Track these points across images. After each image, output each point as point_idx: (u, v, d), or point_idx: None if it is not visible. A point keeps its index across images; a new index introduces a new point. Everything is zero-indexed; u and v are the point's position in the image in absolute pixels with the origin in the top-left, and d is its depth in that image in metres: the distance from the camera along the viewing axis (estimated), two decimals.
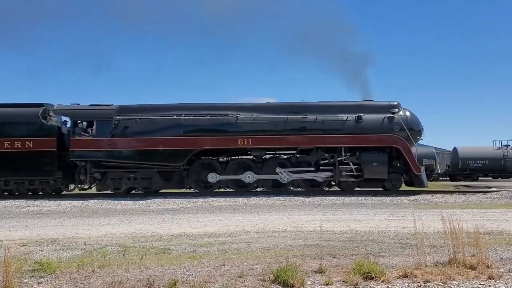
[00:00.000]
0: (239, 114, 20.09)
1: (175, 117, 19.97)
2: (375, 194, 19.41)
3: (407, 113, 20.38)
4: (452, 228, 6.56)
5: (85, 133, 20.04)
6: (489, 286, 5.45)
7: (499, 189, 21.46)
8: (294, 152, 20.29)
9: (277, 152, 20.60)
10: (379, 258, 7.07)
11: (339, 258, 7.12)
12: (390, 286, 5.48)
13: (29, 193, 20.20)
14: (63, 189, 20.65)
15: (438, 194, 19.10)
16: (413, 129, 20.12)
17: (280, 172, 19.63)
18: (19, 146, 19.60)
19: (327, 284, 5.59)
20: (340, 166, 19.68)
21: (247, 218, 12.72)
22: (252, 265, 6.76)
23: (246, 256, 7.38)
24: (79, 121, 20.12)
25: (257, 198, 18.21)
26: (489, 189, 22.04)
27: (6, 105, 20.73)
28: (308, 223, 11.57)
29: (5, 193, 20.00)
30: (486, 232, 9.39)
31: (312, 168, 19.94)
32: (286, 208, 15.44)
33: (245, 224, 11.49)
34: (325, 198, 18.31)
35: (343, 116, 20.03)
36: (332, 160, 19.93)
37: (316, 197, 18.38)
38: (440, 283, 5.54)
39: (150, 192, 20.09)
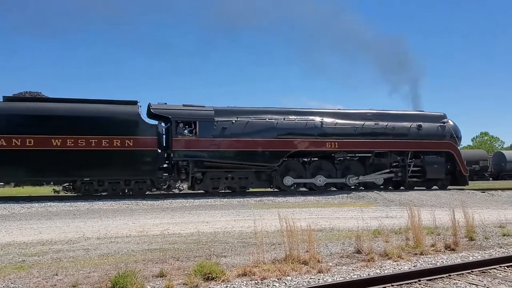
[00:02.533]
0: (323, 119, 21.81)
1: (268, 120, 21.09)
2: (224, 195, 19.87)
3: (452, 123, 23.88)
4: (288, 227, 6.96)
5: (186, 133, 20.03)
6: (318, 279, 5.89)
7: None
8: (370, 155, 22.35)
9: (357, 154, 22.51)
10: (222, 258, 7.19)
11: (182, 260, 7.05)
12: (229, 285, 5.58)
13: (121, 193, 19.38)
14: (162, 189, 20.31)
15: (280, 195, 20.31)
16: (458, 136, 23.72)
17: (350, 178, 22.01)
18: (118, 144, 18.74)
19: None
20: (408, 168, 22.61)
21: (89, 224, 11.94)
22: (89, 273, 6.32)
23: (83, 264, 6.88)
24: (180, 121, 19.86)
25: (101, 202, 17.25)
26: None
27: (100, 101, 19.60)
28: (155, 226, 11.31)
29: (100, 193, 19.00)
30: (319, 229, 10.24)
31: (387, 170, 22.52)
32: (133, 212, 14.91)
33: (86, 230, 10.77)
34: (174, 200, 18.14)
35: (407, 124, 22.90)
36: (402, 162, 22.64)
37: (165, 200, 18.11)
38: (276, 279, 5.83)
39: None
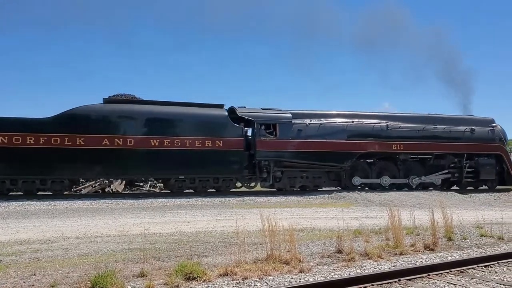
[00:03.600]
0: (388, 122, 22.89)
1: (338, 122, 22.23)
2: (206, 195, 19.79)
3: (500, 127, 25.00)
4: (270, 226, 6.97)
5: (267, 135, 21.20)
6: (300, 279, 5.91)
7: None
8: (430, 156, 23.33)
9: (418, 156, 23.33)
10: (203, 258, 7.17)
11: (163, 260, 7.00)
12: (210, 285, 5.56)
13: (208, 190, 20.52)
14: (246, 187, 21.70)
15: (262, 195, 20.33)
16: (505, 139, 24.91)
17: (413, 178, 22.83)
18: (209, 145, 20.00)
19: None
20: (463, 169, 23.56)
21: (68, 223, 11.76)
22: (68, 273, 6.23)
23: (61, 264, 6.78)
24: (262, 124, 21.12)
25: (80, 201, 17.01)
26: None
27: (190, 104, 21.10)
28: (135, 226, 11.21)
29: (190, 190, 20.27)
30: (301, 229, 10.28)
31: (445, 171, 23.47)
32: (113, 212, 14.73)
33: (65, 229, 10.61)
34: (155, 200, 17.99)
35: (462, 128, 24.06)
36: (459, 164, 23.59)
37: (146, 200, 17.96)
38: (257, 279, 5.83)
39: None
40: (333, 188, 22.29)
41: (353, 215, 13.52)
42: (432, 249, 8.00)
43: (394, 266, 6.72)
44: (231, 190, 21.12)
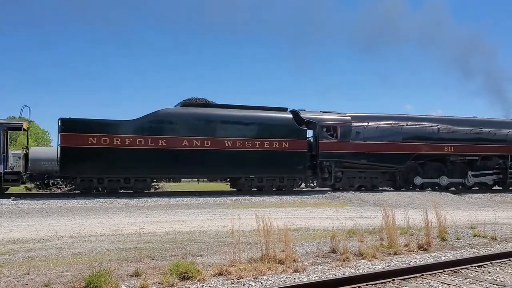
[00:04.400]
0: (439, 125, 24.21)
1: (393, 125, 23.55)
2: (200, 195, 19.79)
3: None
4: (265, 226, 6.98)
5: (329, 137, 22.40)
6: (294, 278, 5.92)
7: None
8: (477, 158, 24.58)
9: (466, 158, 24.56)
10: (198, 257, 7.16)
11: (158, 260, 6.99)
12: (205, 285, 5.56)
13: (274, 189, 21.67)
14: (308, 186, 23.05)
15: (257, 195, 20.34)
16: None
17: (469, 176, 24.13)
18: (277, 146, 21.39)
19: (142, 287, 5.41)
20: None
21: (62, 222, 11.72)
22: (62, 272, 6.20)
23: (55, 263, 6.75)
24: (324, 126, 22.36)
25: (75, 200, 16.96)
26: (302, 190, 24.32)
27: (256, 108, 22.41)
28: (130, 225, 11.18)
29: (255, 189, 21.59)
30: (295, 229, 10.29)
31: (491, 171, 24.86)
32: (107, 211, 14.69)
33: (59, 228, 10.57)
34: (149, 199, 17.97)
35: (505, 131, 25.42)
36: (504, 165, 24.92)
37: (140, 199, 17.92)
38: (252, 278, 5.83)
39: None
40: (326, 188, 22.66)
41: (347, 215, 13.56)
42: (426, 249, 8.04)
43: (388, 266, 6.75)
44: (293, 189, 22.37)
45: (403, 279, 5.93)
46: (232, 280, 5.75)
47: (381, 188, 23.53)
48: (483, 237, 9.48)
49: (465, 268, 6.64)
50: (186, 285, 5.53)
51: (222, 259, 6.82)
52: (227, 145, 20.72)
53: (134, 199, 17.75)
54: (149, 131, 19.72)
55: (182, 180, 24.51)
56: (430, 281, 5.94)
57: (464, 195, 22.54)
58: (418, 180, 23.48)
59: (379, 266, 6.73)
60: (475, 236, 9.60)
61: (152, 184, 22.30)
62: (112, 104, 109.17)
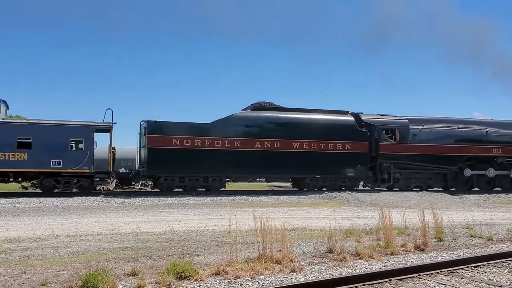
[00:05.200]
0: (487, 129, 25.28)
1: (446, 128, 24.73)
2: (197, 194, 19.78)
3: None
4: (262, 226, 6.97)
5: (388, 139, 23.54)
6: (291, 278, 5.92)
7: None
8: None
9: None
10: (195, 257, 7.15)
11: (155, 259, 6.98)
12: (202, 284, 5.55)
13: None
14: (368, 186, 24.17)
15: (254, 195, 20.35)
16: None
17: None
18: (340, 147, 22.50)
19: (139, 287, 5.40)
20: None
21: (58, 221, 11.70)
22: (59, 271, 6.19)
23: (52, 262, 6.73)
24: (383, 129, 23.54)
25: (71, 199, 16.92)
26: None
27: (318, 111, 23.46)
28: (127, 225, 11.16)
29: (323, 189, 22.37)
30: (292, 229, 10.29)
31: None
32: (104, 210, 14.67)
33: (55, 227, 10.54)
34: (146, 198, 17.95)
35: None
36: None
37: (137, 198, 17.90)
38: (249, 278, 5.83)
39: None
40: (323, 189, 22.64)
41: (344, 215, 13.57)
42: (423, 250, 8.06)
43: (385, 266, 6.76)
44: (354, 189, 23.21)
45: (400, 279, 5.94)
46: (229, 280, 5.75)
47: (435, 188, 24.57)
48: (479, 237, 9.51)
49: (462, 268, 6.65)
50: (183, 285, 5.52)
51: (219, 259, 6.82)
52: (294, 146, 21.93)
53: (131, 198, 17.74)
54: (225, 133, 21.03)
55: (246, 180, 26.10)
56: (426, 281, 5.95)
57: (461, 195, 22.61)
58: (467, 172, 24.57)
59: (376, 266, 6.74)
60: (471, 236, 9.63)
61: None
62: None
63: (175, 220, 12.27)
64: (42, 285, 5.48)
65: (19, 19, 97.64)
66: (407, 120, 24.23)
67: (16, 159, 18.24)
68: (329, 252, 7.52)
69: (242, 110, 23.33)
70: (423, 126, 24.31)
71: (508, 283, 5.91)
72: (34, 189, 20.12)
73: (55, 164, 18.60)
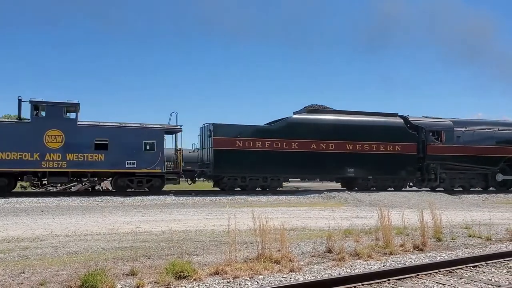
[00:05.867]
0: None
1: (487, 130, 25.67)
2: (196, 194, 19.79)
3: None
4: (261, 226, 6.97)
5: (434, 141, 24.41)
6: (290, 278, 5.92)
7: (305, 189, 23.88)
8: None
9: None
10: (194, 257, 7.15)
11: (154, 259, 6.98)
12: (201, 284, 5.55)
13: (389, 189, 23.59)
14: (415, 186, 25.00)
15: (253, 194, 20.35)
16: None
17: None
18: (390, 149, 23.60)
19: (138, 286, 5.40)
20: None
21: (57, 221, 11.69)
22: (57, 271, 6.18)
23: (51, 262, 6.72)
24: (430, 131, 24.46)
25: (70, 199, 16.91)
26: (297, 189, 24.35)
27: (368, 113, 24.51)
28: (125, 224, 11.16)
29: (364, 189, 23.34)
30: (291, 229, 10.30)
31: None
32: (103, 210, 14.66)
33: (54, 227, 10.54)
34: (145, 198, 17.95)
35: None
36: None
37: (136, 197, 17.90)
38: (248, 278, 5.83)
39: None
40: (323, 189, 23.35)
41: (343, 215, 13.58)
42: (421, 249, 8.06)
43: (383, 266, 6.76)
44: (402, 189, 24.17)
45: (399, 279, 5.94)
46: (228, 280, 5.75)
47: (478, 188, 25.65)
48: (478, 237, 9.52)
49: (460, 268, 6.66)
50: (182, 284, 5.52)
51: (218, 259, 6.82)
52: (348, 148, 23.04)
53: (130, 198, 17.73)
54: (282, 135, 22.12)
55: (306, 180, 27.25)
56: (425, 281, 5.96)
57: (460, 195, 22.63)
58: (499, 177, 25.49)
59: (375, 266, 6.74)
60: (470, 236, 9.64)
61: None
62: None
63: (174, 219, 12.27)
64: (41, 284, 5.48)
65: (19, 19, 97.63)
66: (451, 122, 25.20)
67: (94, 160, 19.21)
68: (328, 252, 7.53)
69: (294, 112, 24.11)
70: (465, 128, 25.34)
71: (507, 283, 5.92)
72: (33, 189, 20.08)
73: (130, 165, 19.74)
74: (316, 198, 20.15)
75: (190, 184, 22.93)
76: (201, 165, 22.95)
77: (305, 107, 24.36)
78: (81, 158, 18.96)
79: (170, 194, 19.50)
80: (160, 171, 20.11)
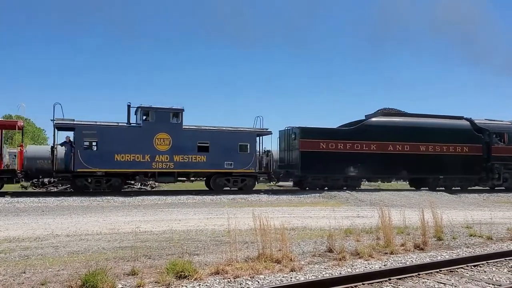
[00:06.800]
0: None
1: None
2: (197, 193, 19.78)
3: None
4: (261, 225, 6.97)
5: (498, 142, 25.89)
6: (291, 278, 5.92)
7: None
8: None
9: None
10: (194, 256, 7.15)
11: (154, 258, 6.98)
12: (202, 284, 5.55)
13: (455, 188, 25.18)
14: (481, 186, 26.07)
15: (254, 194, 20.35)
16: None
17: None
18: (459, 150, 24.99)
19: (139, 286, 5.40)
20: None
21: (58, 221, 11.69)
22: (58, 271, 6.18)
23: (51, 262, 6.73)
24: (493, 133, 25.88)
25: (71, 198, 16.91)
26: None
27: (434, 116, 25.95)
28: (126, 224, 11.16)
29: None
30: (292, 228, 10.30)
31: None
32: (104, 210, 14.66)
33: (55, 227, 10.54)
34: (146, 198, 17.95)
35: None
36: None
37: (137, 197, 17.90)
38: (249, 278, 5.83)
39: None
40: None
41: (344, 214, 13.57)
42: (422, 249, 8.06)
43: (384, 265, 6.76)
44: (468, 188, 25.57)
45: (400, 279, 5.94)
46: (229, 279, 5.75)
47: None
48: (479, 236, 9.52)
49: (461, 267, 6.66)
50: (182, 284, 5.52)
51: (219, 258, 6.82)
52: (421, 149, 24.46)
53: (131, 198, 17.73)
54: (361, 137, 23.42)
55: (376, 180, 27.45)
56: (426, 280, 5.95)
57: (460, 194, 22.62)
58: None
59: (376, 265, 6.74)
60: (471, 235, 9.63)
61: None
62: None
63: (174, 219, 12.27)
64: (42, 284, 5.48)
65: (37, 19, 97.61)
66: None
67: (197, 161, 20.92)
68: (329, 252, 7.52)
69: (366, 115, 25.69)
70: None
71: (508, 282, 5.92)
72: (34, 189, 20.08)
73: (228, 165, 21.34)
74: (316, 197, 20.15)
75: (274, 184, 24.97)
76: (283, 166, 24.12)
77: (378, 110, 25.75)
78: (186, 159, 20.63)
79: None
80: (253, 171, 21.71)
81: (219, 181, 21.50)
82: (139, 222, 11.49)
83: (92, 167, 19.08)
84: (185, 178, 21.87)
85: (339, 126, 25.11)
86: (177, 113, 20.80)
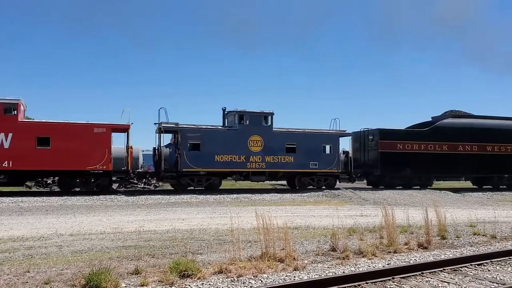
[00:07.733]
0: None
1: None
2: (200, 192, 19.81)
3: None
4: (265, 224, 6.97)
5: None
6: (294, 277, 5.91)
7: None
8: None
9: None
10: (198, 255, 7.15)
11: (158, 258, 6.99)
12: (205, 283, 5.55)
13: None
14: None
15: (257, 193, 20.36)
16: None
17: None
18: None
19: (142, 285, 5.41)
20: None
21: (61, 220, 11.72)
22: (62, 270, 6.20)
23: (55, 261, 6.75)
24: None
25: (75, 198, 16.96)
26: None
27: (498, 118, 27.49)
28: (130, 223, 11.18)
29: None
30: (295, 227, 10.29)
31: None
32: (107, 209, 14.70)
33: (59, 226, 10.57)
34: (150, 197, 17.98)
35: None
36: None
37: (140, 197, 17.93)
38: (252, 276, 5.83)
39: None
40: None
41: (347, 213, 13.56)
42: (426, 248, 8.04)
43: (388, 264, 6.75)
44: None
45: (403, 277, 5.92)
46: (232, 278, 5.75)
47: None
48: (483, 235, 9.49)
49: (465, 266, 6.63)
50: (186, 283, 5.53)
51: (222, 257, 6.82)
52: (488, 149, 26.05)
53: (135, 197, 17.76)
54: (433, 138, 24.99)
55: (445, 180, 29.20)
56: (430, 279, 5.94)
57: (464, 193, 22.56)
58: None
59: (379, 264, 6.73)
60: (475, 234, 9.61)
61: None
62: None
63: (178, 218, 12.28)
64: (46, 283, 5.49)
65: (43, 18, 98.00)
66: None
67: (286, 161, 22.39)
68: (332, 251, 7.52)
69: (432, 117, 27.31)
70: None
71: None
72: (38, 188, 20.15)
73: (313, 165, 22.75)
74: (320, 196, 20.13)
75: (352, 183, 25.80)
76: (358, 166, 25.02)
77: (446, 112, 27.54)
78: (276, 160, 22.18)
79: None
80: (336, 171, 23.07)
81: (304, 180, 22.85)
82: (142, 221, 11.51)
83: (196, 167, 20.80)
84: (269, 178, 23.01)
85: (407, 127, 26.84)
86: (268, 116, 22.32)
